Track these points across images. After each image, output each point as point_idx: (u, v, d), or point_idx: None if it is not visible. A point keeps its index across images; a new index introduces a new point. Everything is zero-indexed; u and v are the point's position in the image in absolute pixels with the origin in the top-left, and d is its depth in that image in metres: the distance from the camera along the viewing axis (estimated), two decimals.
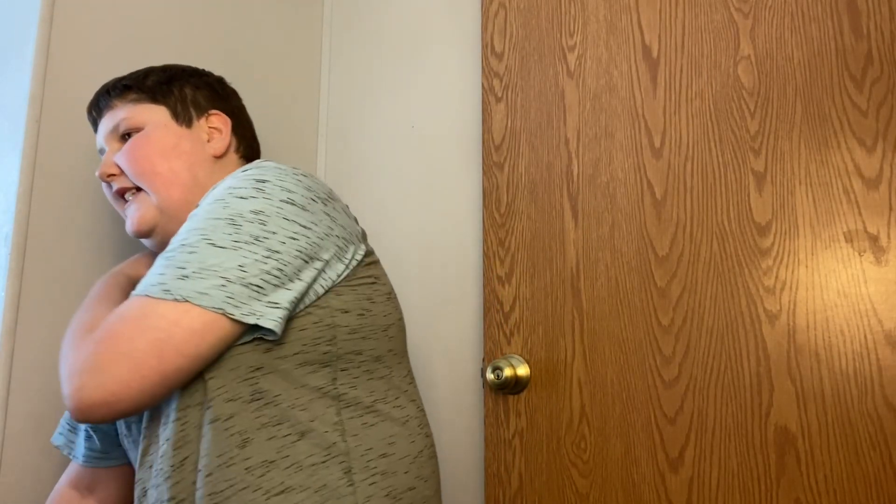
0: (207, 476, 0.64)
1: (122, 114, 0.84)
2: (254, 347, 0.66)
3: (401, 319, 0.78)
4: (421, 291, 1.23)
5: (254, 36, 1.37)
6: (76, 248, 1.01)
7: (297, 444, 0.66)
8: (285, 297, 0.66)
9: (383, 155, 1.37)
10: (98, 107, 0.87)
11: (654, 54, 0.95)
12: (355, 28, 1.51)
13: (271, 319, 0.64)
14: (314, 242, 0.68)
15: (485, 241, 1.07)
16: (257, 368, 0.67)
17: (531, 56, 1.07)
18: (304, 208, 0.68)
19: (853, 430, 0.75)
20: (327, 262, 0.69)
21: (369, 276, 0.74)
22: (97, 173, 0.85)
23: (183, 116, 0.86)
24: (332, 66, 1.53)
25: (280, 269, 0.65)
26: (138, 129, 0.84)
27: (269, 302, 0.65)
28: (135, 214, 0.82)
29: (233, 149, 0.88)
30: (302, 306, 0.68)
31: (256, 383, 0.66)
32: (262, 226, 0.66)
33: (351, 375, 0.71)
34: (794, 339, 0.80)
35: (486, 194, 1.09)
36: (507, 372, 0.97)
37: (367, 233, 1.35)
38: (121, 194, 0.84)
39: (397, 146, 1.36)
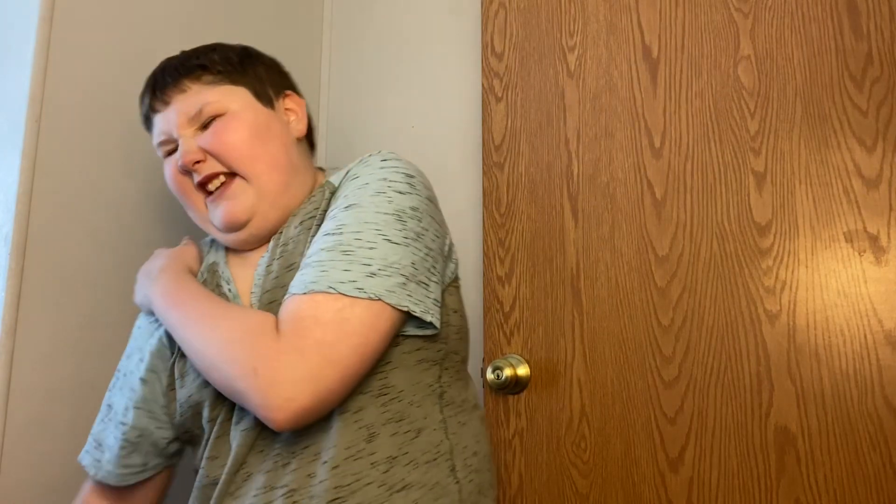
0: (334, 468, 0.62)
1: (203, 97, 0.75)
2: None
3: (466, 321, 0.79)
4: None
5: (254, 36, 1.37)
6: (76, 248, 1.01)
7: (415, 441, 0.66)
8: (438, 293, 0.68)
9: None
10: (165, 91, 0.78)
11: (654, 54, 0.95)
12: (355, 28, 1.51)
13: (436, 317, 0.67)
14: (447, 241, 0.73)
15: (485, 241, 1.07)
16: (387, 363, 0.67)
17: (531, 56, 1.07)
18: (437, 207, 0.73)
19: (853, 430, 0.75)
20: (445, 261, 0.72)
21: (457, 278, 0.76)
22: (180, 162, 0.74)
23: (264, 97, 0.79)
24: (332, 66, 1.53)
25: (434, 266, 0.69)
26: (222, 114, 0.75)
27: (434, 299, 0.67)
28: (230, 203, 0.73)
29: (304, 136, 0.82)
30: None
31: (385, 378, 0.66)
32: (419, 223, 0.68)
33: (449, 374, 0.72)
34: (794, 339, 0.80)
35: (486, 194, 1.09)
36: (507, 372, 0.97)
37: None
38: (205, 183, 0.75)
39: (397, 146, 1.36)
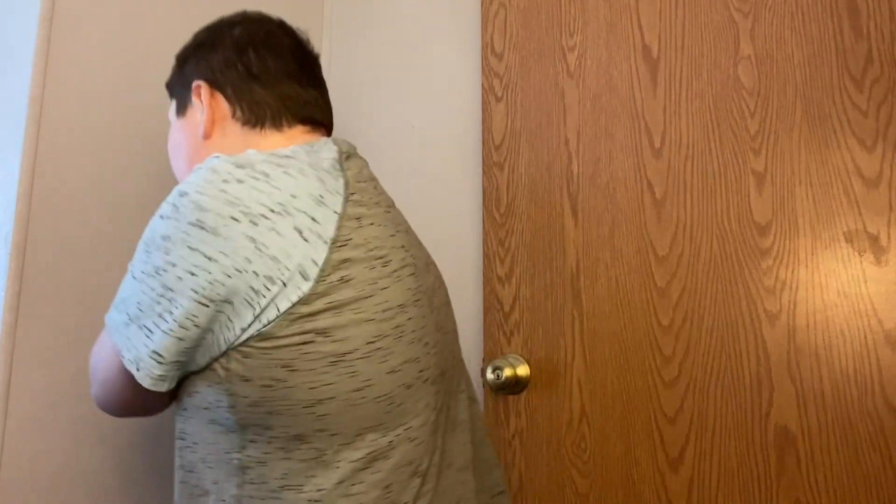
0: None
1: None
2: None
3: (359, 390, 0.56)
4: None
5: None
6: (76, 248, 1.01)
7: (199, 498, 0.58)
8: (172, 348, 0.54)
9: (383, 155, 1.37)
10: None
11: (654, 54, 0.95)
12: (355, 28, 1.51)
13: (147, 376, 0.55)
14: (215, 280, 0.53)
15: (485, 240, 1.07)
16: (182, 408, 0.59)
17: (531, 56, 1.07)
18: (214, 232, 0.53)
19: (853, 430, 0.75)
20: (234, 307, 0.53)
21: (303, 332, 0.54)
22: None
23: (181, 106, 0.72)
24: (332, 66, 1.53)
25: (170, 312, 0.54)
26: None
27: (153, 352, 0.55)
28: None
29: (229, 117, 0.68)
30: (208, 356, 0.55)
31: (182, 421, 0.59)
32: (165, 255, 0.54)
33: (261, 450, 0.56)
34: (794, 339, 0.80)
35: (486, 194, 1.09)
36: (507, 372, 0.97)
37: None
38: None
39: (397, 146, 1.36)
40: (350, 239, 0.56)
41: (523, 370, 0.99)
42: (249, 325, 0.53)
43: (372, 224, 0.59)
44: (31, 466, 0.92)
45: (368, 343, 0.56)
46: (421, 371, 0.60)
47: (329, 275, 0.54)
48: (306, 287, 0.53)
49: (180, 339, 0.54)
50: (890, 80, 0.78)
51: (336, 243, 0.55)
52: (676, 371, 0.86)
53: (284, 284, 0.53)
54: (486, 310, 1.05)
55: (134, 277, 0.56)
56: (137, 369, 0.55)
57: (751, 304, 0.83)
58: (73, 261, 1.00)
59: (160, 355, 0.54)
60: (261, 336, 0.53)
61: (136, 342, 0.55)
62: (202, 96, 0.69)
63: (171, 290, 0.53)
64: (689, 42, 0.92)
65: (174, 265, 0.53)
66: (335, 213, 0.56)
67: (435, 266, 0.71)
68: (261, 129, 0.67)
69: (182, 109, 0.72)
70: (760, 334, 0.82)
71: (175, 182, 1.02)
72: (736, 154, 0.87)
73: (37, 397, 0.94)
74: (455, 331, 0.73)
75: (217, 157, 0.56)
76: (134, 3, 1.14)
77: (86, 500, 0.98)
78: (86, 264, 1.02)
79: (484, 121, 1.11)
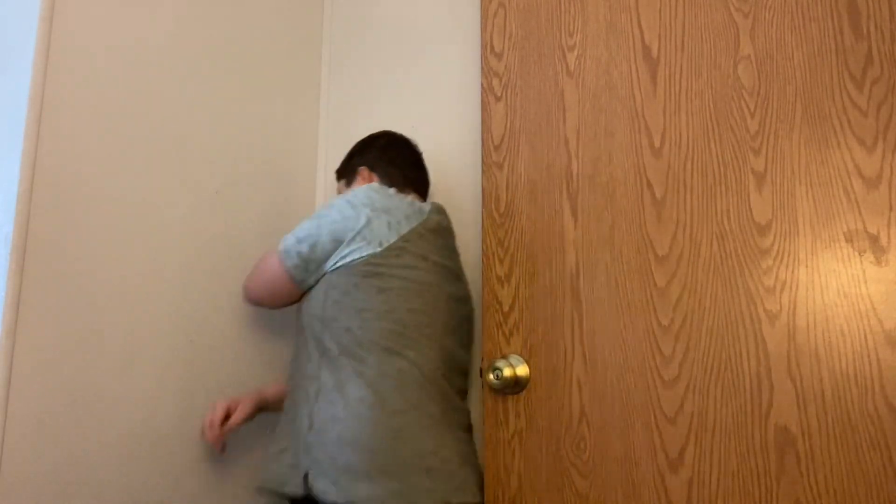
0: None
1: None
2: None
3: (387, 311, 0.99)
4: None
5: (254, 36, 1.37)
6: (76, 248, 1.01)
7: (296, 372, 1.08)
8: (309, 255, 1.04)
9: None
10: None
11: (654, 54, 0.95)
12: (355, 28, 1.51)
13: (289, 262, 1.06)
14: (342, 229, 1.01)
15: (484, 240, 1.07)
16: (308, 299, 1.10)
17: (531, 55, 1.07)
18: (353, 206, 1.02)
19: (853, 430, 0.75)
20: (344, 245, 1.01)
21: (369, 271, 0.99)
22: None
23: (349, 181, 1.22)
24: (332, 66, 1.53)
25: (314, 236, 1.03)
26: None
27: (298, 253, 1.05)
28: None
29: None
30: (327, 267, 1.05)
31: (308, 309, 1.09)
32: (327, 209, 1.04)
33: (330, 332, 1.02)
34: (794, 339, 0.80)
35: (485, 194, 1.09)
36: (507, 372, 0.97)
37: None
38: None
39: None
40: (410, 239, 1.02)
41: (523, 370, 0.98)
42: (349, 254, 1.00)
43: (427, 242, 1.04)
44: (31, 466, 0.92)
45: (402, 288, 0.99)
46: (430, 322, 1.01)
47: (393, 250, 1.00)
48: (380, 249, 0.99)
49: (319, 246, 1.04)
50: (890, 80, 0.78)
51: (403, 238, 1.01)
52: (676, 371, 0.86)
53: (370, 242, 1.00)
54: (486, 310, 1.05)
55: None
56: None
57: (751, 304, 0.83)
58: (73, 261, 1.00)
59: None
60: (352, 262, 0.99)
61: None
62: (364, 176, 1.17)
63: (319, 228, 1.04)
64: (688, 42, 0.92)
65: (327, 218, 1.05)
66: (410, 227, 1.02)
67: (471, 297, 1.14)
68: (396, 189, 1.14)
69: (350, 181, 1.19)
70: (760, 334, 0.82)
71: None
72: (736, 154, 0.86)
73: (37, 397, 0.94)
74: (468, 344, 1.12)
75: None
76: (134, 4, 1.14)
77: (86, 500, 0.98)
78: (86, 264, 1.02)
79: (483, 120, 1.11)
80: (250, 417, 1.13)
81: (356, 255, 0.98)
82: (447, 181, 1.31)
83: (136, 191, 1.11)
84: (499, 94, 1.10)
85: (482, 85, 1.13)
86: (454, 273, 1.08)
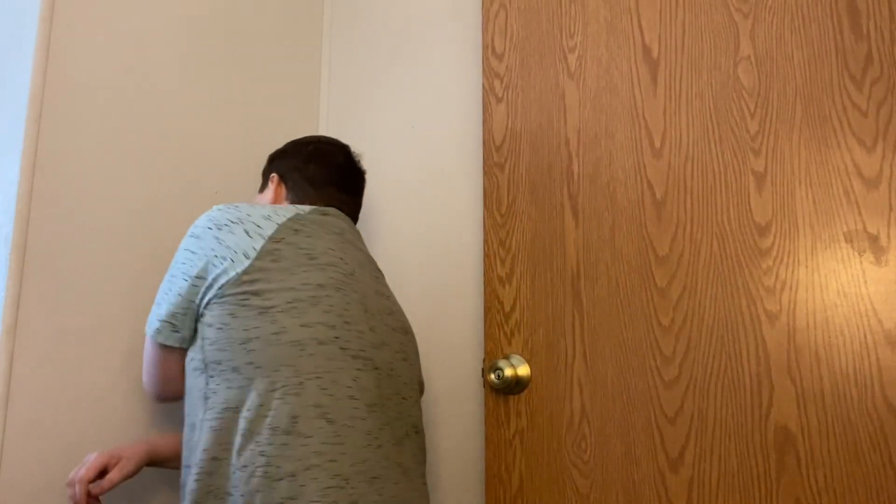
0: None
1: None
2: None
3: (276, 334, 0.80)
4: (421, 292, 1.23)
5: (254, 36, 1.37)
6: (76, 248, 1.01)
7: (189, 434, 0.83)
8: (172, 311, 0.85)
9: (383, 155, 1.37)
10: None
11: (655, 55, 0.95)
12: (355, 28, 1.51)
13: (158, 333, 0.86)
14: (196, 265, 0.84)
15: (485, 241, 1.07)
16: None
17: (532, 56, 1.07)
18: (198, 238, 0.86)
19: (853, 430, 0.75)
20: (207, 280, 0.83)
21: (243, 292, 0.81)
22: None
23: (263, 184, 1.10)
24: (332, 66, 1.53)
25: (170, 289, 0.86)
26: None
27: (160, 318, 0.86)
28: None
29: (283, 199, 1.03)
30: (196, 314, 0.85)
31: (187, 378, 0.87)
32: (174, 259, 0.88)
33: (215, 382, 0.81)
34: (794, 339, 0.80)
35: (486, 194, 1.09)
36: (508, 372, 0.97)
37: (366, 233, 1.35)
38: None
39: (398, 146, 1.36)
40: (283, 238, 0.84)
41: (524, 370, 0.99)
42: (212, 290, 0.83)
43: (309, 237, 0.87)
44: (31, 467, 0.92)
45: (287, 303, 0.81)
46: (337, 338, 0.82)
47: (263, 256, 0.82)
48: (247, 263, 0.82)
49: (170, 304, 0.87)
50: (890, 80, 0.78)
51: (272, 239, 0.84)
52: (676, 371, 0.86)
53: (233, 261, 0.82)
54: (487, 310, 1.05)
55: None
56: (147, 327, 0.91)
57: (751, 304, 0.83)
58: (73, 261, 1.00)
59: (160, 315, 0.87)
60: (219, 294, 0.82)
61: (152, 317, 0.90)
62: (273, 183, 1.03)
63: (173, 276, 0.87)
64: (689, 42, 0.93)
65: (175, 262, 0.88)
66: (277, 223, 0.85)
67: (394, 303, 0.95)
68: (298, 202, 1.00)
69: (262, 188, 1.07)
70: (760, 334, 0.82)
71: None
72: (736, 154, 0.87)
73: (37, 398, 0.94)
74: (410, 360, 0.93)
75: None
76: (134, 3, 1.14)
77: None
78: (86, 264, 1.02)
79: (485, 121, 1.11)
80: (131, 475, 0.89)
81: (223, 280, 0.81)
82: (448, 182, 1.31)
83: (136, 191, 1.11)
84: (500, 95, 1.10)
85: (483, 86, 1.13)
86: (364, 265, 0.91)
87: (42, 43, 1.00)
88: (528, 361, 0.99)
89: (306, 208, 0.90)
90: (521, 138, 1.06)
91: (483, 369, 1.08)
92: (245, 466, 0.75)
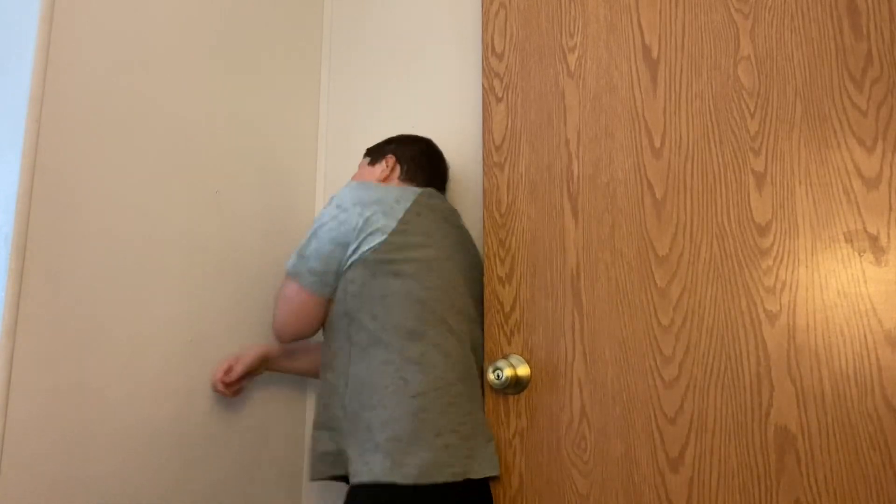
0: None
1: None
2: None
3: (406, 293, 1.02)
4: None
5: (254, 36, 1.37)
6: (76, 248, 1.01)
7: (333, 363, 1.10)
8: (320, 267, 1.05)
9: None
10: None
11: (654, 55, 0.95)
12: (355, 28, 1.51)
13: (305, 281, 1.06)
14: (343, 232, 1.04)
15: (485, 241, 1.07)
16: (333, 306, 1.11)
17: (532, 56, 1.07)
18: (345, 210, 1.05)
19: (853, 430, 0.75)
20: (349, 247, 1.04)
21: (380, 260, 1.02)
22: None
23: (374, 159, 1.24)
24: (332, 66, 1.53)
25: (318, 248, 1.06)
26: None
27: (309, 269, 1.06)
28: None
29: (396, 178, 1.20)
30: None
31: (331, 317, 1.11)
32: (319, 221, 1.06)
33: (355, 326, 1.06)
34: (794, 339, 0.80)
35: (486, 194, 1.09)
36: (508, 372, 0.97)
37: None
38: None
39: None
40: (410, 220, 1.05)
41: (524, 370, 0.99)
42: (356, 251, 1.03)
43: (426, 219, 1.07)
44: (31, 467, 0.92)
45: (415, 269, 1.03)
46: (449, 297, 1.04)
47: (397, 234, 1.03)
48: (384, 237, 1.02)
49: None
50: (889, 80, 0.78)
51: (402, 221, 1.04)
52: (676, 371, 0.87)
53: (373, 233, 1.02)
54: (487, 310, 1.05)
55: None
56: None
57: (751, 304, 0.83)
58: (73, 261, 1.00)
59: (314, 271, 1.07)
60: (361, 258, 1.02)
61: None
62: (389, 164, 1.19)
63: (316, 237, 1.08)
64: (689, 42, 0.93)
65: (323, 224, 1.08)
66: (405, 207, 1.05)
67: (480, 269, 1.15)
68: (407, 183, 1.18)
69: (373, 163, 1.22)
70: (760, 334, 0.82)
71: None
72: (736, 154, 0.87)
73: (37, 398, 0.94)
74: (481, 311, 1.12)
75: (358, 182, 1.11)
76: (134, 3, 1.14)
77: (86, 500, 0.98)
78: (86, 264, 1.02)
79: (484, 121, 1.11)
80: (253, 370, 1.19)
81: (364, 248, 1.02)
82: (448, 182, 1.31)
83: (136, 191, 1.11)
84: (500, 95, 1.10)
85: (483, 86, 1.13)
86: (461, 243, 1.11)
87: (42, 43, 1.00)
88: (528, 361, 0.99)
89: (417, 191, 1.08)
90: (521, 138, 1.06)
91: (483, 369, 1.08)
92: (387, 386, 0.97)
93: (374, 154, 1.23)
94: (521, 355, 1.00)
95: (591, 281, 0.95)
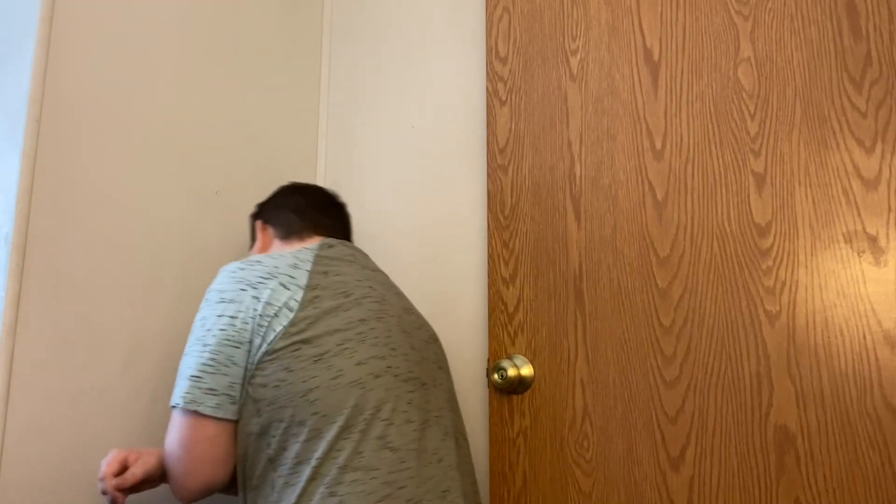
0: None
1: None
2: None
3: (334, 378, 0.79)
4: (426, 292, 1.23)
5: (254, 36, 1.37)
6: (76, 248, 1.01)
7: (257, 490, 0.81)
8: (221, 382, 0.80)
9: (388, 159, 1.37)
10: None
11: (656, 57, 0.96)
12: (356, 29, 1.51)
13: (208, 406, 0.79)
14: (239, 329, 0.81)
15: (489, 242, 1.08)
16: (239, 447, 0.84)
17: (534, 60, 1.08)
18: (231, 301, 0.82)
19: (853, 430, 0.75)
20: (252, 343, 0.81)
21: (293, 343, 0.80)
22: None
23: (253, 236, 1.11)
24: (332, 66, 1.53)
25: (213, 359, 0.80)
26: None
27: (208, 389, 0.80)
28: None
29: (272, 237, 1.04)
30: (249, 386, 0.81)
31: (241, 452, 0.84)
32: (202, 327, 0.82)
33: (278, 441, 0.79)
34: (794, 339, 0.80)
35: (490, 197, 1.09)
36: (511, 372, 0.97)
37: (370, 235, 1.35)
38: None
39: (402, 150, 1.36)
40: (318, 284, 0.85)
41: (527, 370, 0.99)
42: (261, 350, 0.80)
43: (338, 275, 0.88)
44: (30, 468, 0.91)
45: (338, 345, 0.81)
46: (389, 367, 0.83)
47: (306, 306, 0.82)
48: (292, 315, 0.81)
49: (225, 375, 0.81)
50: (889, 81, 0.79)
51: (308, 287, 0.84)
52: (677, 371, 0.87)
53: (277, 315, 0.81)
54: (491, 311, 1.05)
55: (185, 354, 0.83)
56: (197, 406, 0.82)
57: (751, 304, 0.83)
58: (73, 261, 1.00)
59: (213, 390, 0.81)
60: (268, 351, 0.80)
61: (191, 391, 0.82)
62: (259, 231, 1.05)
63: (208, 344, 0.82)
64: (689, 45, 0.93)
65: (209, 330, 0.82)
66: (307, 270, 0.86)
67: (419, 315, 0.96)
68: (288, 240, 1.01)
69: (252, 243, 1.09)
70: (760, 334, 0.82)
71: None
72: (736, 155, 0.87)
73: (37, 398, 0.93)
74: (444, 368, 0.94)
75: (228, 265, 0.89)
76: (134, 3, 1.14)
77: (85, 500, 0.98)
78: (86, 264, 1.01)
79: (488, 124, 1.12)
80: (154, 473, 0.86)
81: (271, 337, 0.80)
82: (451, 184, 1.31)
83: (136, 191, 1.10)
84: (503, 99, 1.11)
85: (487, 89, 1.13)
86: (386, 290, 0.92)
87: (42, 43, 1.00)
88: (532, 361, 0.99)
89: (313, 246, 0.90)
90: (524, 141, 1.07)
91: (487, 369, 1.08)
92: None
93: (251, 235, 1.08)
94: (525, 355, 1.00)
95: (594, 282, 0.96)
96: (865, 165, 0.79)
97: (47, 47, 1.00)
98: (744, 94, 0.88)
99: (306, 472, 0.76)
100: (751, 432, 0.81)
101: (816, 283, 0.80)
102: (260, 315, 0.80)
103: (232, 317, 0.81)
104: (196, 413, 0.79)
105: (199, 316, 0.84)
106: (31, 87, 0.98)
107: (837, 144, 0.81)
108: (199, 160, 1.22)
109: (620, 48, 0.99)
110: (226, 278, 0.84)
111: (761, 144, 0.86)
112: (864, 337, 0.76)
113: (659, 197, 0.92)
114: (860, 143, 0.80)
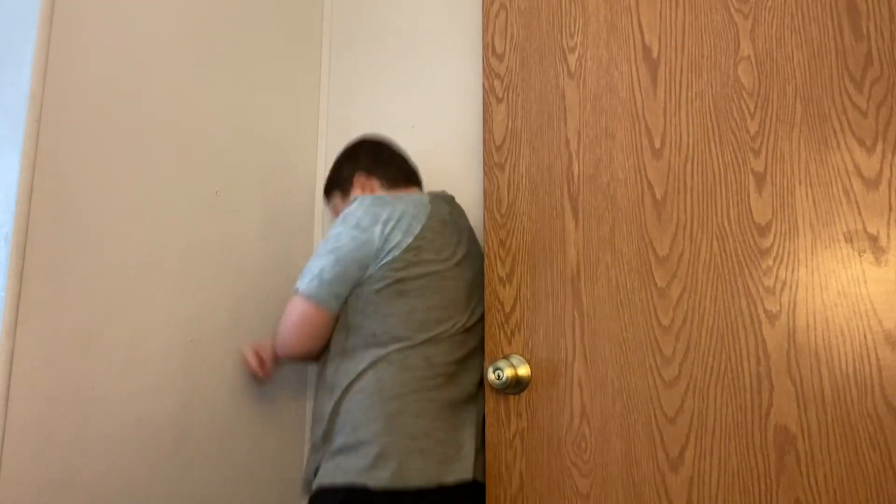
0: None
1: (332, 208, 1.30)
2: None
3: (407, 313, 1.04)
4: None
5: (254, 36, 1.37)
6: (76, 248, 1.01)
7: (324, 371, 1.13)
8: (336, 286, 1.05)
9: None
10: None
11: (655, 55, 0.95)
12: (355, 28, 1.51)
13: (322, 300, 1.06)
14: (364, 252, 1.04)
15: (486, 241, 1.07)
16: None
17: (532, 57, 1.07)
18: (364, 229, 1.04)
19: (853, 430, 0.75)
20: (367, 267, 1.05)
21: (388, 276, 1.04)
22: None
23: (344, 192, 1.24)
24: (332, 66, 1.53)
25: (336, 268, 1.05)
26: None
27: (327, 288, 1.05)
28: None
29: (377, 187, 1.21)
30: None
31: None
32: (336, 241, 1.06)
33: (353, 340, 1.08)
34: (794, 339, 0.80)
35: (487, 195, 1.09)
36: (508, 372, 0.97)
37: None
38: None
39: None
40: (425, 237, 1.05)
41: (524, 370, 0.99)
42: (370, 270, 1.04)
43: (437, 233, 1.07)
44: (30, 467, 0.92)
45: (418, 290, 1.04)
46: (450, 316, 1.06)
47: (410, 251, 1.04)
48: (398, 253, 1.03)
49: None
50: (889, 80, 0.78)
51: (417, 237, 1.04)
52: (676, 371, 0.87)
53: (390, 252, 1.03)
54: (488, 310, 1.05)
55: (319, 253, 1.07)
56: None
57: (751, 304, 0.83)
58: (73, 261, 1.00)
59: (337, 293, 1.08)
60: (373, 276, 1.04)
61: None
62: (361, 181, 1.20)
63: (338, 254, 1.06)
64: (689, 43, 0.93)
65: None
66: (421, 224, 1.05)
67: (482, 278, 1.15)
68: (395, 188, 1.19)
69: (346, 194, 1.22)
70: (760, 334, 0.82)
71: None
72: (736, 154, 0.87)
73: (37, 398, 0.94)
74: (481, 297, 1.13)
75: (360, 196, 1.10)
76: (134, 3, 1.14)
77: (85, 500, 0.98)
78: (86, 264, 1.02)
79: (485, 122, 1.11)
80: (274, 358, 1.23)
81: (378, 266, 1.03)
82: (448, 182, 1.31)
83: (136, 191, 1.10)
84: (500, 96, 1.10)
85: (484, 86, 1.13)
86: (471, 258, 1.12)
87: (42, 43, 1.00)
88: (529, 361, 0.99)
89: (425, 200, 1.09)
90: (522, 138, 1.06)
91: (484, 369, 1.08)
92: (363, 388, 1.00)
93: (339, 184, 1.23)
94: (522, 355, 1.00)
95: (592, 281, 0.95)
96: (866, 165, 0.78)
97: (47, 47, 1.01)
98: (744, 92, 0.87)
99: (362, 360, 1.01)
100: (751, 433, 0.81)
101: (817, 282, 0.79)
102: (378, 249, 1.03)
103: (363, 242, 1.03)
104: (313, 303, 1.05)
105: (334, 231, 1.06)
106: (31, 87, 0.98)
107: (838, 143, 0.80)
108: (199, 160, 1.22)
109: (619, 45, 0.99)
110: (363, 209, 1.05)
111: (761, 143, 0.85)
112: (865, 337, 0.76)
113: (658, 196, 0.92)
114: (861, 142, 0.79)
